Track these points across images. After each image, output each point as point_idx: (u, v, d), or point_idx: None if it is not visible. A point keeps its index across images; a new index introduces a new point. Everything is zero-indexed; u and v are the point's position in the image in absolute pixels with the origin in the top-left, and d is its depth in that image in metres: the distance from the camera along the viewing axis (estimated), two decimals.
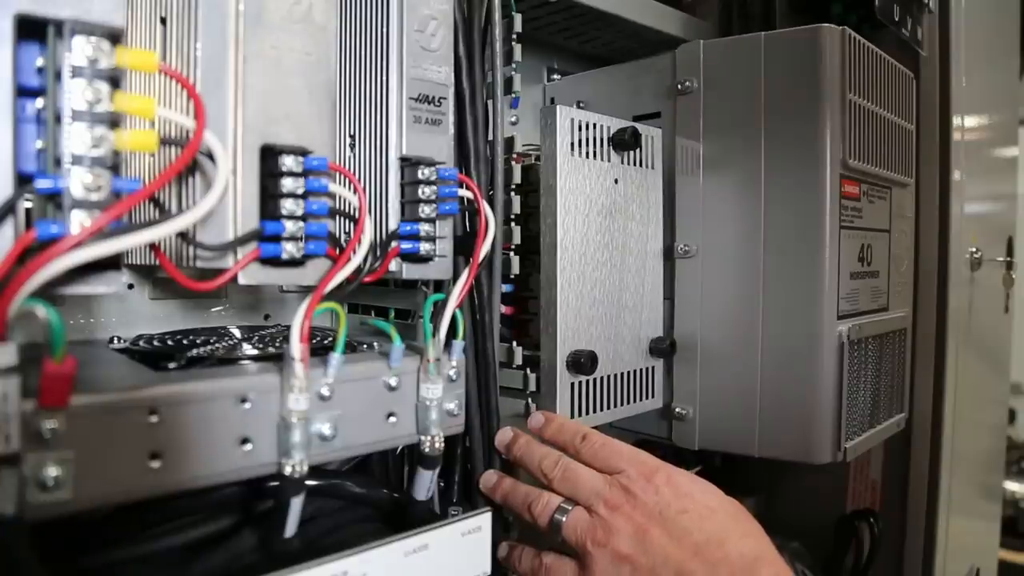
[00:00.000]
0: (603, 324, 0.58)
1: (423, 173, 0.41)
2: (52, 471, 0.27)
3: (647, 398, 0.62)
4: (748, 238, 0.59)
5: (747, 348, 0.59)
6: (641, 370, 0.61)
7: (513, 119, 0.69)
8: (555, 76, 0.77)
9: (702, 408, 0.62)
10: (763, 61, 0.58)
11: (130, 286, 0.47)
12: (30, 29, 0.28)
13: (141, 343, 0.41)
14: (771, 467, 0.65)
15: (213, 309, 0.52)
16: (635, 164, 0.60)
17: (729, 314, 0.60)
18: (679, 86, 0.62)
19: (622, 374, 0.59)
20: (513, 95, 0.55)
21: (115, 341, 0.43)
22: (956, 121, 0.77)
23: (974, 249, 0.85)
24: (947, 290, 0.76)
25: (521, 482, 0.49)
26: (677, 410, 0.63)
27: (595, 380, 0.57)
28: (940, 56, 0.76)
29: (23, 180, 0.29)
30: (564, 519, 0.44)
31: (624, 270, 0.59)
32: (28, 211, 0.29)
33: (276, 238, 0.35)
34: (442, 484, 0.52)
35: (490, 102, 0.52)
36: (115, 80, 0.29)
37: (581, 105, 0.71)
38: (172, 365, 0.35)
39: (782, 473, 0.86)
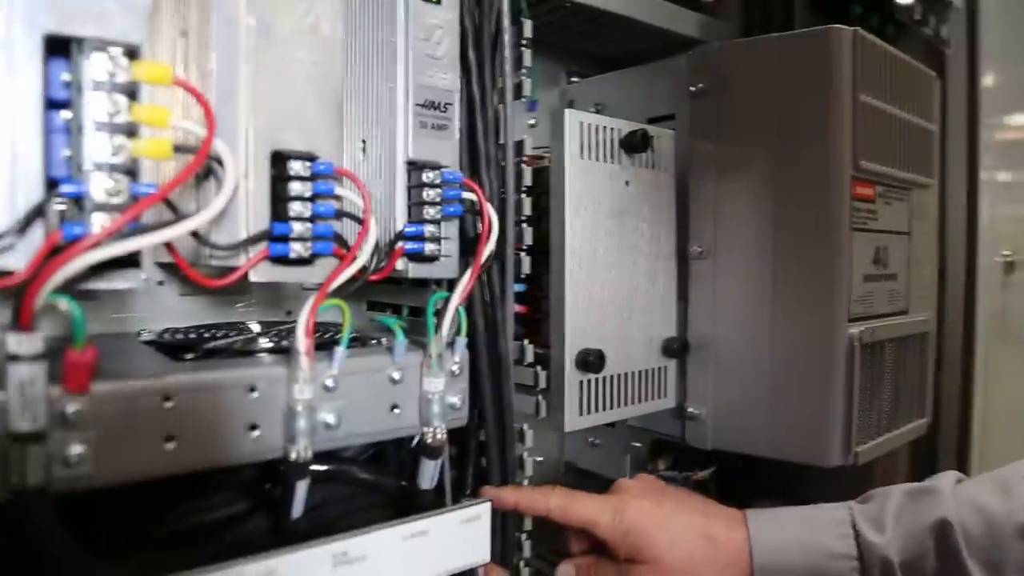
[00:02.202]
0: (613, 324, 0.59)
1: (428, 176, 0.43)
2: (75, 449, 0.30)
3: (659, 397, 0.63)
4: (760, 240, 0.59)
5: (759, 349, 0.59)
6: (652, 370, 0.62)
7: (532, 122, 0.71)
8: (574, 79, 0.78)
9: (714, 408, 0.63)
10: (775, 63, 0.58)
11: (160, 283, 0.50)
12: (57, 47, 0.31)
13: (166, 336, 0.44)
14: (795, 471, 0.65)
15: (238, 305, 0.55)
16: (647, 166, 0.61)
17: (741, 315, 0.61)
18: (692, 88, 0.63)
19: (633, 373, 0.60)
20: (525, 99, 0.57)
21: (143, 334, 0.46)
22: (986, 120, 0.76)
23: (1008, 252, 0.83)
24: (975, 294, 0.75)
25: None
26: (690, 410, 0.64)
27: (605, 378, 0.58)
28: (968, 54, 0.75)
29: (53, 185, 0.32)
30: None
31: (635, 271, 0.60)
32: (62, 213, 0.32)
33: (284, 238, 0.37)
34: (455, 474, 0.54)
35: (501, 106, 0.53)
36: (132, 93, 0.31)
37: (598, 107, 0.72)
38: (189, 356, 0.38)
39: (807, 477, 0.85)
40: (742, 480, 0.84)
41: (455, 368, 0.44)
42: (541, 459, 0.77)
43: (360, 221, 0.40)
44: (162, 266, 0.50)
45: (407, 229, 0.43)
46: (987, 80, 0.75)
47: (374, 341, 0.46)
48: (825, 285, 0.56)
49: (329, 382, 0.38)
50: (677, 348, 0.62)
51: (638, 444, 0.72)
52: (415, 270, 0.44)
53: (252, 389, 0.36)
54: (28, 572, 0.32)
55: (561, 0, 0.63)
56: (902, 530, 0.45)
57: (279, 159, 0.37)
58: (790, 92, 0.57)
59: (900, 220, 0.63)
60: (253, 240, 0.36)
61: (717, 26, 0.75)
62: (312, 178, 0.38)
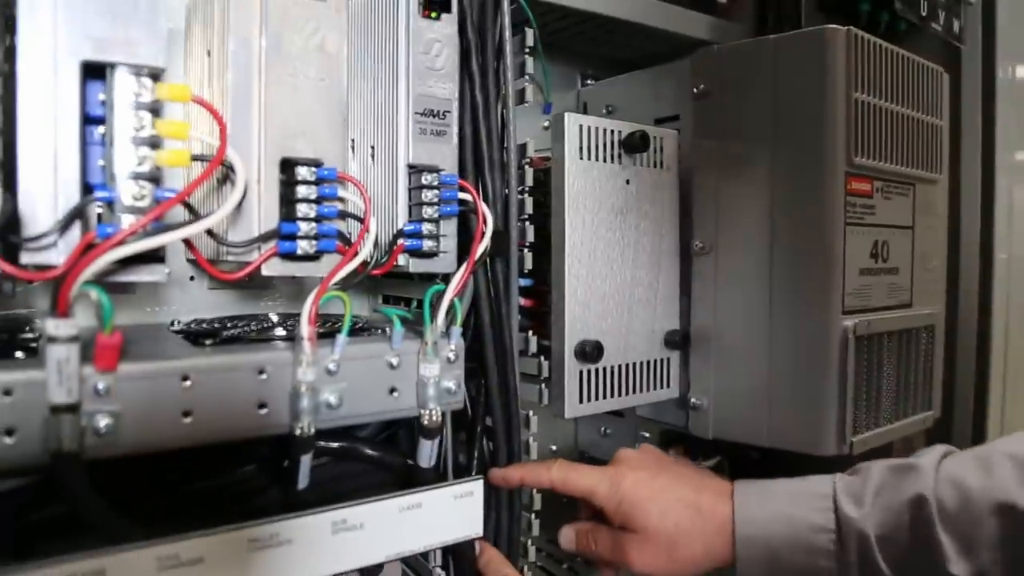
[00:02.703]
0: (614, 317, 0.61)
1: (427, 179, 0.47)
2: (104, 420, 0.35)
3: (662, 388, 0.65)
4: (759, 236, 0.61)
5: (757, 342, 0.61)
6: (654, 361, 0.64)
7: (546, 124, 0.74)
8: (589, 82, 0.81)
9: (715, 399, 0.65)
10: (772, 64, 0.59)
11: (191, 278, 0.55)
12: (94, 71, 0.35)
13: (192, 325, 0.48)
14: (809, 462, 0.65)
15: (265, 299, 0.60)
16: (648, 165, 0.63)
17: (741, 309, 0.62)
18: (695, 90, 0.65)
19: (634, 364, 0.63)
20: (528, 103, 0.60)
21: (174, 324, 0.51)
22: (1003, 114, 0.75)
23: None
24: (991, 289, 0.75)
25: None
26: (693, 401, 0.66)
27: (606, 368, 0.61)
28: (983, 49, 0.74)
29: (89, 190, 0.36)
30: None
31: (636, 266, 0.63)
32: (99, 215, 0.37)
33: (292, 236, 0.41)
34: (462, 459, 0.57)
35: (505, 112, 0.57)
36: (156, 110, 0.36)
37: (609, 109, 0.75)
38: (209, 342, 0.43)
39: (822, 469, 0.86)
40: (758, 472, 0.85)
41: (451, 355, 0.47)
42: (555, 447, 0.81)
43: (361, 220, 0.44)
44: (193, 263, 0.55)
45: (407, 227, 0.47)
46: (1004, 73, 0.75)
47: (379, 331, 0.50)
48: (820, 279, 0.57)
49: (331, 366, 0.42)
50: (678, 340, 0.64)
51: (646, 434, 0.74)
52: (415, 265, 0.48)
53: (261, 371, 0.40)
54: (66, 534, 0.37)
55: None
56: (880, 505, 0.46)
57: (288, 165, 0.41)
58: (786, 92, 0.59)
59: (901, 215, 0.64)
60: (264, 238, 0.41)
61: (730, 28, 0.77)
62: (317, 182, 0.42)
